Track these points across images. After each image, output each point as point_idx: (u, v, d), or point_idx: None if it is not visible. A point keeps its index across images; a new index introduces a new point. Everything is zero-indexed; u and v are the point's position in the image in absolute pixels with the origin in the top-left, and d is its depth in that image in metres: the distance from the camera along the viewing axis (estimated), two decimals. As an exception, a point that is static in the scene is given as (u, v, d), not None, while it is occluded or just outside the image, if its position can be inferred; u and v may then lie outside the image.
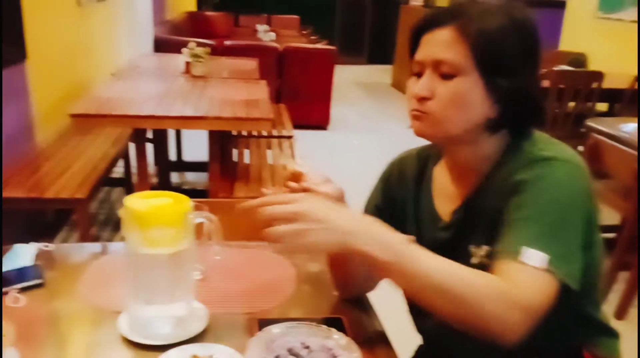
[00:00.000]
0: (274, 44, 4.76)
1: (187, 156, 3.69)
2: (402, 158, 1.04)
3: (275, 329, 0.83)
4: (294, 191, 0.88)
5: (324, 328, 0.84)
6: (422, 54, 0.85)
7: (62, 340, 0.89)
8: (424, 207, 0.97)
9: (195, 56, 2.84)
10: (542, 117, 0.86)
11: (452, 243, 0.90)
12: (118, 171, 3.08)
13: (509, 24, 0.81)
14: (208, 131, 2.29)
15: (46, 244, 1.17)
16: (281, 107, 3.63)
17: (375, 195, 1.05)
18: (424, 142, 0.96)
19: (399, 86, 6.80)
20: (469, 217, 0.89)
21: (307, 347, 0.81)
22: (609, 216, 2.45)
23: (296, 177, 0.88)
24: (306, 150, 3.87)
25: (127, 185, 3.01)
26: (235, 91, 2.56)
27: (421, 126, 0.85)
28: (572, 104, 3.26)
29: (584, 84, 3.23)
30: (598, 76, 3.25)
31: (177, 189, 3.41)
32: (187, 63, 2.90)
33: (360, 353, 0.80)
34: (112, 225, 2.89)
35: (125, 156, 2.94)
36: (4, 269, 1.06)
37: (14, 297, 0.97)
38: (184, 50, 2.89)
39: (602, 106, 3.37)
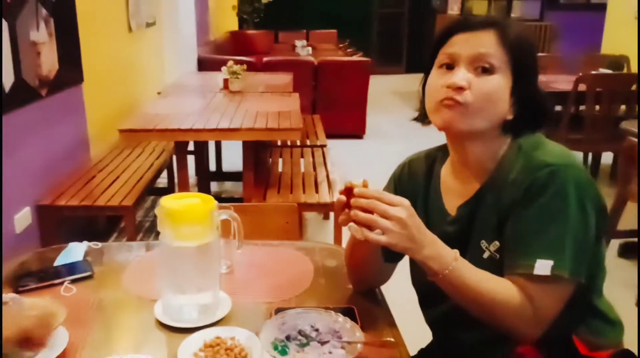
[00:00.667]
0: (310, 58, 4.92)
1: (226, 166, 3.88)
2: (412, 160, 1.12)
3: (287, 314, 0.94)
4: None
5: (331, 313, 0.95)
6: (459, 48, 0.91)
7: (107, 323, 1.03)
8: (433, 203, 1.05)
9: (233, 72, 3.01)
10: (543, 122, 0.95)
11: (460, 237, 0.97)
12: (162, 181, 3.29)
13: (531, 37, 0.95)
14: (242, 142, 2.43)
15: (96, 243, 1.33)
16: (315, 118, 3.76)
17: (392, 185, 1.12)
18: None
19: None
20: (475, 212, 0.96)
21: (317, 330, 0.91)
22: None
23: (349, 192, 0.87)
24: (342, 158, 3.98)
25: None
26: (269, 104, 2.71)
27: (454, 115, 0.89)
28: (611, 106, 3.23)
29: (622, 86, 3.19)
30: (635, 78, 3.20)
31: (216, 197, 3.60)
32: (225, 80, 3.08)
33: (363, 335, 0.90)
34: (157, 232, 3.08)
35: (169, 167, 3.14)
36: (60, 263, 1.23)
37: (66, 287, 1.13)
38: (223, 68, 3.08)
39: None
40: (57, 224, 2.34)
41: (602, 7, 5.59)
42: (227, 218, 1.07)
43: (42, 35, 2.36)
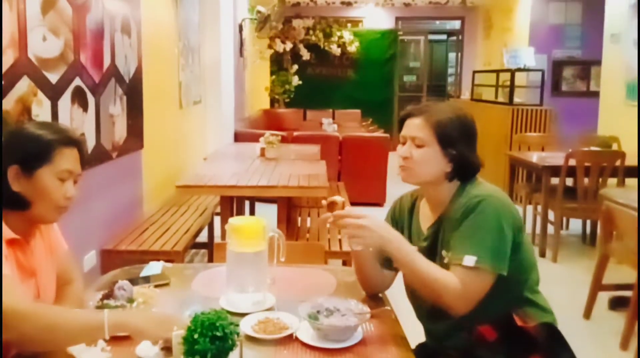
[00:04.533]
0: (336, 134, 5.44)
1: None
2: (402, 197, 1.57)
3: (317, 299, 1.28)
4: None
5: (347, 299, 1.29)
6: (404, 131, 1.40)
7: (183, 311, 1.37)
8: (414, 227, 1.48)
9: (269, 142, 3.49)
10: (477, 170, 1.41)
11: (430, 249, 1.39)
12: (201, 238, 3.67)
13: (454, 117, 1.38)
14: (277, 199, 2.84)
15: (169, 263, 1.70)
16: (340, 184, 4.17)
17: (390, 219, 1.56)
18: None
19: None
20: (438, 231, 1.39)
21: (338, 309, 1.25)
22: (627, 274, 2.70)
23: (332, 206, 1.38)
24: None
25: (210, 249, 3.58)
26: (300, 168, 3.14)
27: (405, 175, 1.40)
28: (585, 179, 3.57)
29: (607, 161, 3.56)
30: (620, 154, 3.59)
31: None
32: (262, 148, 3.55)
33: (369, 311, 1.24)
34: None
35: (209, 225, 3.54)
36: (145, 274, 1.59)
37: (151, 289, 1.49)
38: (261, 138, 3.56)
39: (632, 181, 3.61)
40: (116, 266, 2.71)
41: (597, 94, 6.10)
42: (274, 235, 1.44)
43: (117, 109, 2.89)
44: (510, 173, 4.48)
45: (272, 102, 8.91)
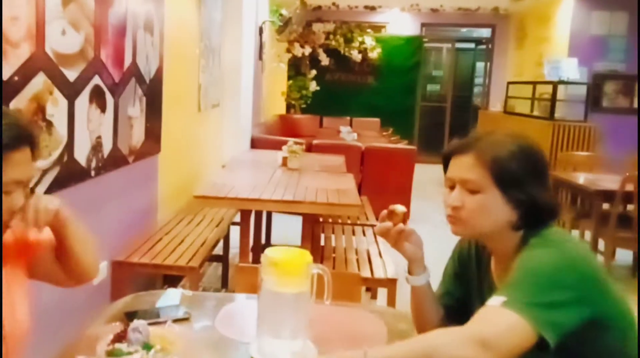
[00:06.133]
0: (357, 144, 5.23)
1: (275, 239, 4.05)
2: (461, 243, 1.31)
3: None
4: (395, 225, 1.23)
5: None
6: (451, 173, 1.14)
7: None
8: (486, 284, 1.22)
9: (292, 151, 3.29)
10: (554, 216, 1.10)
11: None
12: (216, 249, 3.47)
13: (516, 150, 1.09)
14: (302, 215, 2.63)
15: (188, 291, 1.50)
16: (363, 199, 3.95)
17: (451, 265, 1.33)
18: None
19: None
20: None
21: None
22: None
23: (392, 214, 1.21)
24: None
25: (225, 262, 3.38)
26: (327, 182, 2.93)
27: (457, 229, 1.14)
28: None
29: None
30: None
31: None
32: (285, 157, 3.35)
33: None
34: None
35: (225, 236, 3.34)
36: (162, 305, 1.39)
37: (169, 331, 1.28)
38: (284, 147, 3.36)
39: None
40: (128, 279, 2.52)
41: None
42: (319, 272, 1.23)
43: (136, 111, 2.71)
44: (551, 195, 4.21)
45: (288, 107, 8.73)
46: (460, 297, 1.29)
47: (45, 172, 1.87)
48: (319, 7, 8.78)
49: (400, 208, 1.21)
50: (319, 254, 2.74)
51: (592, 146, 5.13)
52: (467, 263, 1.28)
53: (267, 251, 1.19)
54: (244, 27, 5.01)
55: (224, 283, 3.37)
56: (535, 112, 5.78)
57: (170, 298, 1.45)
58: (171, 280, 3.22)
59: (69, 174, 2.04)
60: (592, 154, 4.81)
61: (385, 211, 1.23)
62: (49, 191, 1.89)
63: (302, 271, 1.17)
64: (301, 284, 1.16)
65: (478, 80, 9.76)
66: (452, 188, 1.14)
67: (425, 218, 5.24)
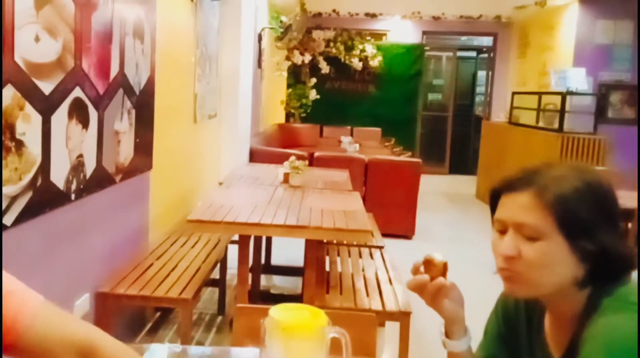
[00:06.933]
0: (360, 156, 5.00)
1: (275, 260, 3.81)
2: (506, 298, 1.06)
3: None
4: (433, 278, 0.98)
5: None
6: (502, 214, 0.91)
7: None
8: (538, 351, 0.98)
9: (294, 167, 3.05)
10: (629, 269, 0.88)
11: None
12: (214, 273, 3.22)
13: (584, 188, 0.86)
14: (305, 239, 2.39)
15: (177, 346, 1.26)
16: (370, 216, 3.71)
17: (495, 324, 1.08)
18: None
19: (483, 197, 6.77)
20: None
21: None
22: None
23: (429, 265, 0.98)
24: (392, 260, 3.86)
25: (221, 287, 3.13)
26: (332, 202, 2.70)
27: (513, 287, 0.91)
28: None
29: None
30: None
31: (266, 293, 3.46)
32: (286, 174, 3.11)
33: None
34: (204, 325, 2.98)
35: (223, 259, 3.09)
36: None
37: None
38: (285, 162, 3.13)
39: None
40: (113, 313, 2.27)
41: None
42: (336, 336, 0.99)
43: (124, 125, 2.47)
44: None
45: (288, 116, 8.51)
46: None
47: (14, 199, 1.63)
48: (319, 14, 8.58)
49: (439, 256, 0.97)
50: (324, 282, 2.50)
51: (602, 160, 4.91)
52: (515, 323, 1.04)
53: (272, 311, 0.95)
54: (242, 33, 4.79)
55: (221, 309, 3.12)
56: (540, 124, 5.56)
57: (154, 354, 1.20)
58: (164, 310, 2.97)
59: (43, 200, 1.80)
60: (606, 169, 4.59)
61: (419, 261, 0.99)
62: (19, 220, 1.65)
63: (317, 337, 0.93)
64: (314, 352, 0.92)
65: (480, 89, 9.56)
66: (502, 232, 0.91)
67: (429, 233, 5.01)
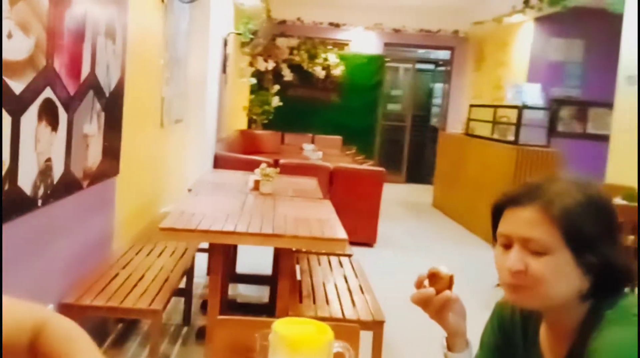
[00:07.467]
0: (326, 164, 5.02)
1: (240, 268, 3.75)
2: (502, 308, 1.08)
3: None
4: (438, 291, 0.99)
5: None
6: (507, 228, 0.93)
7: None
8: (533, 353, 1.01)
9: (266, 175, 3.02)
10: (629, 282, 0.92)
11: None
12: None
13: (587, 201, 0.89)
14: (275, 248, 2.36)
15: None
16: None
17: (491, 335, 1.10)
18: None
19: (440, 206, 6.94)
20: None
21: None
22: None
23: (434, 278, 0.99)
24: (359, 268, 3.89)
25: (188, 296, 3.05)
26: (305, 210, 2.69)
27: (518, 298, 0.93)
28: (631, 237, 3.26)
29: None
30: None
31: (233, 302, 3.39)
32: (257, 181, 3.08)
33: None
34: (169, 336, 2.89)
35: (190, 268, 3.01)
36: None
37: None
38: (256, 170, 3.09)
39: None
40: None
41: (599, 137, 5.91)
42: (341, 351, 0.98)
43: (93, 128, 2.38)
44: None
45: (250, 122, 8.44)
46: None
47: (-19, 204, 1.53)
48: (284, 22, 8.59)
49: (445, 269, 0.98)
50: (296, 291, 2.49)
51: (556, 172, 5.15)
52: (511, 333, 1.07)
53: (276, 326, 0.94)
54: (210, 38, 4.72)
55: (186, 319, 3.03)
56: (495, 136, 5.78)
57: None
58: (126, 322, 2.87)
59: (10, 205, 1.70)
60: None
61: (423, 275, 1.01)
62: (-16, 227, 1.55)
63: (324, 353, 0.93)
64: (321, 368, 0.92)
65: (436, 101, 9.83)
66: (507, 246, 0.93)
67: (390, 241, 5.09)
